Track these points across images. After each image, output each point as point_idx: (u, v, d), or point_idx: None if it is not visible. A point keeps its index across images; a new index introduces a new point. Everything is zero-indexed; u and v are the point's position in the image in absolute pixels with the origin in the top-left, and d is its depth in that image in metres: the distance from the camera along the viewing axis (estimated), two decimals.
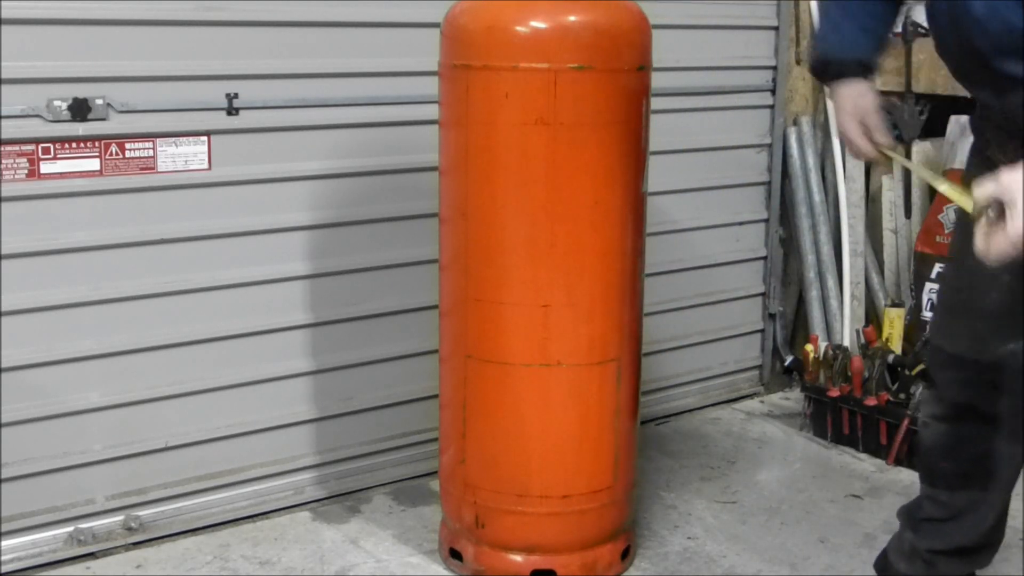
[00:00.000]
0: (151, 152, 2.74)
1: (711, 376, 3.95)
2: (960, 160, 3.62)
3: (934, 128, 3.82)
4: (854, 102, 2.24)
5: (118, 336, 2.77)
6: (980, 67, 2.02)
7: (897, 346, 3.59)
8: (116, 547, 2.80)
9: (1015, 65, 1.94)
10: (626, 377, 2.61)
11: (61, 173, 2.63)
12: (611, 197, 2.47)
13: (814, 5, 3.87)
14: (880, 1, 2.27)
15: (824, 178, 3.95)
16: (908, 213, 3.89)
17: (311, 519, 3.00)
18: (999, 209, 1.65)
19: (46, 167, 2.61)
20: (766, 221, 3.98)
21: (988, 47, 1.96)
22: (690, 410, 3.85)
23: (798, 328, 4.10)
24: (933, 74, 3.71)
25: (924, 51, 3.73)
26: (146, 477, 2.87)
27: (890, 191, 3.93)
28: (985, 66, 2.00)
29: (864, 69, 2.24)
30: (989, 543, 2.44)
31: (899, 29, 3.91)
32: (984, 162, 2.20)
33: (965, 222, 2.29)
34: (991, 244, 1.66)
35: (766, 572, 2.78)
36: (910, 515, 2.47)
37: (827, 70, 2.29)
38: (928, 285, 3.67)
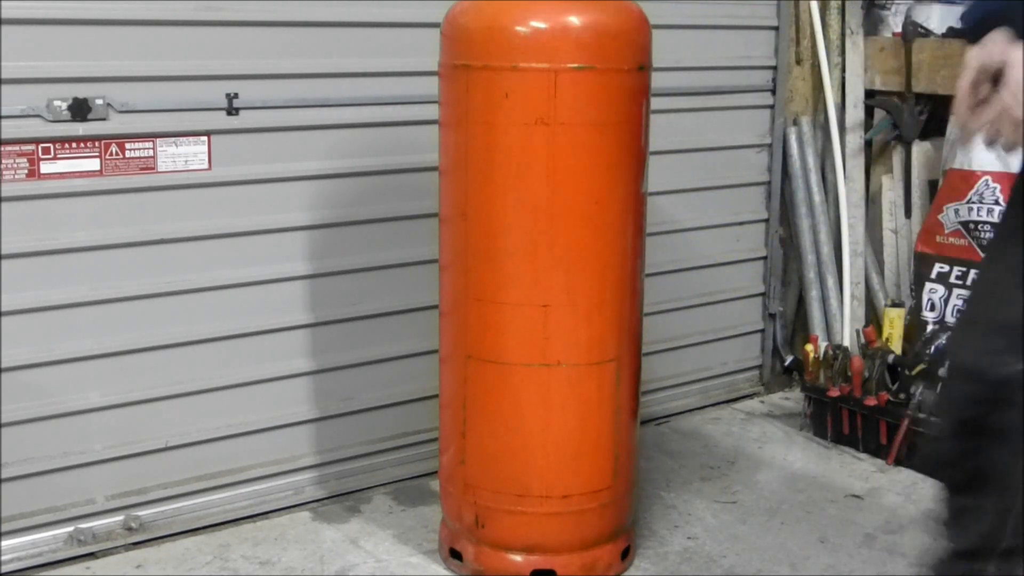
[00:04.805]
0: (151, 152, 2.74)
1: (711, 376, 3.95)
2: (960, 160, 3.62)
3: (934, 128, 3.83)
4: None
5: (118, 336, 2.77)
6: None
7: (897, 346, 3.58)
8: (116, 547, 2.79)
9: None
10: (626, 377, 2.61)
11: (61, 173, 2.63)
12: (611, 197, 2.47)
13: (814, 5, 3.87)
14: None
15: (824, 178, 3.94)
16: (908, 213, 3.89)
17: (311, 519, 3.00)
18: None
19: (46, 167, 2.61)
20: (766, 221, 3.98)
21: None
22: (690, 410, 3.85)
23: (798, 328, 4.10)
24: (933, 74, 3.71)
25: (924, 51, 3.73)
26: (146, 477, 2.87)
27: (890, 191, 3.93)
28: None
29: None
30: (992, 547, 2.39)
31: (899, 29, 3.92)
32: None
33: (1002, 229, 2.19)
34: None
35: (766, 572, 2.78)
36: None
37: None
38: (928, 285, 3.67)
